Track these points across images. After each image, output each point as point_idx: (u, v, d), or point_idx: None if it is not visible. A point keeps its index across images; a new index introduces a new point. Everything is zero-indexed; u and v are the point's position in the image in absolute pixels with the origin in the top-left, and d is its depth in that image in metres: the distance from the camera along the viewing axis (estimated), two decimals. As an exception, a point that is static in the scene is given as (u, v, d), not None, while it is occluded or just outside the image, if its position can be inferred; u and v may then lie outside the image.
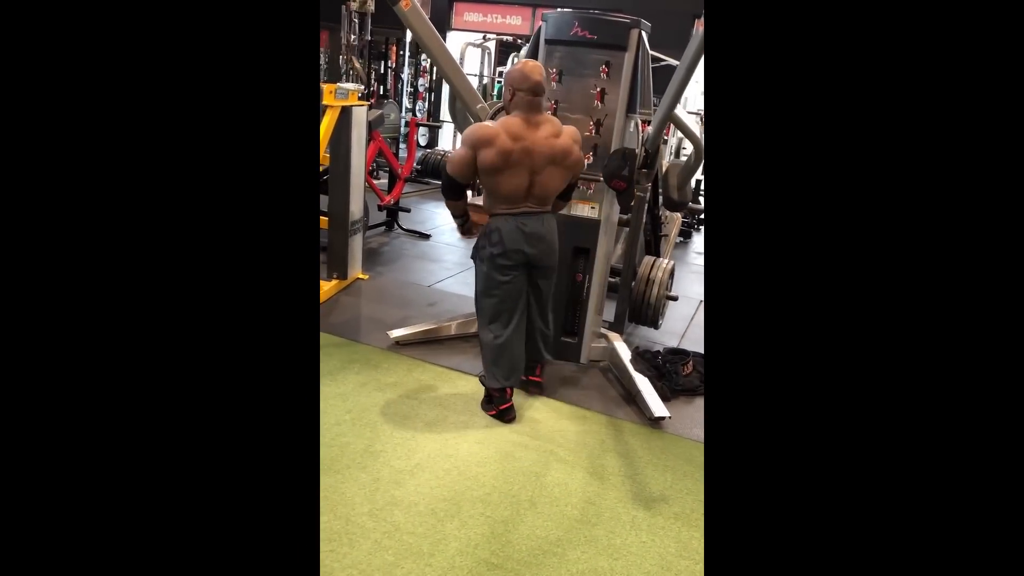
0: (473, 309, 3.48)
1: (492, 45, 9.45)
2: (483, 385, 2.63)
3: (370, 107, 3.87)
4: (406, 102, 10.81)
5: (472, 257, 2.56)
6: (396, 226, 5.37)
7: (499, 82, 9.40)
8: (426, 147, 9.44)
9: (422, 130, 10.02)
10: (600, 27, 2.74)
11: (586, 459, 2.37)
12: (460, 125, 3.20)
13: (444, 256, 4.85)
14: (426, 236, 5.27)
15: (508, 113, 2.37)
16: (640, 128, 2.78)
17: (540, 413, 2.68)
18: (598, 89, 2.78)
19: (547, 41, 2.86)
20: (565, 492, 2.16)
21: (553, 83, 2.83)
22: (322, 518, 1.89)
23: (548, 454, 2.38)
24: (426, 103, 11.14)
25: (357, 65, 4.54)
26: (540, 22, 2.87)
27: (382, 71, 10.56)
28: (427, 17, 2.82)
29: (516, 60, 8.29)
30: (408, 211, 5.51)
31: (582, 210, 2.93)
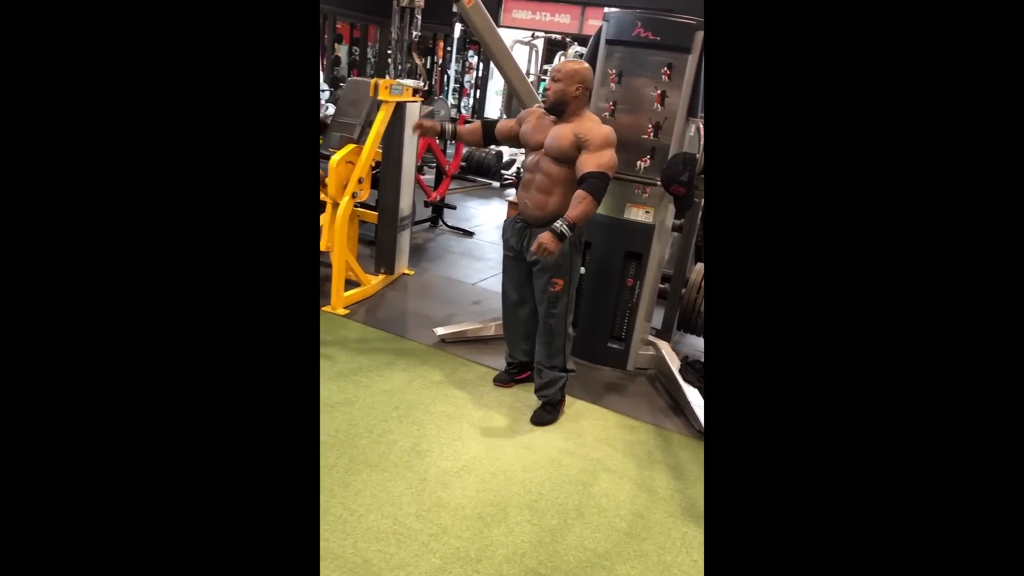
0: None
1: (540, 43, 9.42)
2: (563, 382, 2.61)
3: (421, 103, 3.87)
4: (451, 98, 10.85)
5: (572, 253, 2.45)
6: (441, 223, 5.37)
7: (544, 79, 9.37)
8: (470, 144, 9.46)
9: (465, 127, 10.03)
10: (664, 28, 2.67)
11: (634, 470, 2.32)
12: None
13: (487, 254, 4.83)
14: (470, 234, 5.26)
15: (577, 111, 2.36)
16: (701, 132, 2.71)
17: (586, 421, 2.63)
18: (658, 91, 2.72)
19: (608, 41, 2.80)
20: (613, 503, 2.11)
21: (612, 84, 2.78)
22: (369, 516, 1.88)
23: (595, 463, 2.33)
24: (471, 99, 11.15)
25: (418, 62, 4.54)
26: (590, 21, 2.83)
27: (428, 66, 10.62)
28: (489, 16, 2.80)
29: (565, 57, 8.29)
30: (454, 208, 5.51)
31: (637, 214, 2.87)
